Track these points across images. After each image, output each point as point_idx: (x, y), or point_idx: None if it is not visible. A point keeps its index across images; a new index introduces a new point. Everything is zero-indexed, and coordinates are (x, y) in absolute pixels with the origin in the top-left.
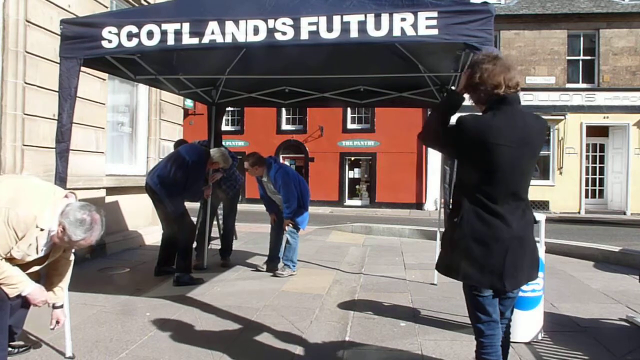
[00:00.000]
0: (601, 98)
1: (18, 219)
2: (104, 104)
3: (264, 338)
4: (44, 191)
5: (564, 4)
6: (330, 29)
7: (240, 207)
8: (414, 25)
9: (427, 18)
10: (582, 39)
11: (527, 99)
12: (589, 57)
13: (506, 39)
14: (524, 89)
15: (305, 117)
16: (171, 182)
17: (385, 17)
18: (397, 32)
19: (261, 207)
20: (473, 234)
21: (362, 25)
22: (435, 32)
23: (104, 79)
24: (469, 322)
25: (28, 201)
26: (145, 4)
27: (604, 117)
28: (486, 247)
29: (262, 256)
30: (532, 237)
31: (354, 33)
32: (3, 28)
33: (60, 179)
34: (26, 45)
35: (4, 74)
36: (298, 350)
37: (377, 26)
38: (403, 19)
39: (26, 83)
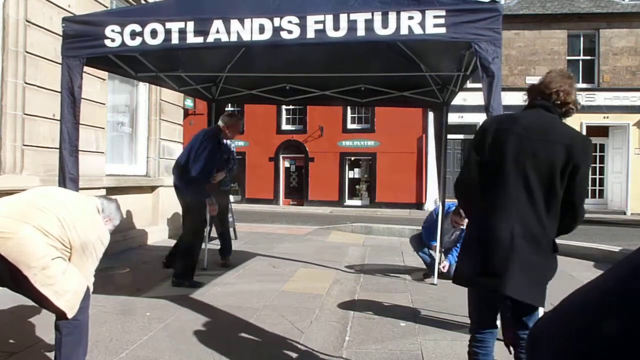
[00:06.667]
0: (601, 98)
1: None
2: (104, 104)
3: (264, 338)
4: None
5: (564, 4)
6: (337, 27)
7: (241, 207)
8: (422, 24)
9: (435, 16)
10: (582, 39)
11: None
12: (589, 57)
13: (506, 39)
14: (524, 89)
15: (305, 117)
16: (186, 168)
17: (392, 16)
18: (404, 31)
19: (261, 207)
20: (473, 236)
21: (369, 23)
22: (443, 30)
23: (104, 79)
24: (469, 322)
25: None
26: (145, 2)
27: (604, 117)
28: (486, 249)
29: (263, 256)
30: (540, 260)
31: (360, 31)
32: (3, 28)
33: (72, 179)
34: (26, 45)
35: (4, 74)
36: (298, 350)
37: (385, 24)
38: (411, 17)
39: (26, 83)
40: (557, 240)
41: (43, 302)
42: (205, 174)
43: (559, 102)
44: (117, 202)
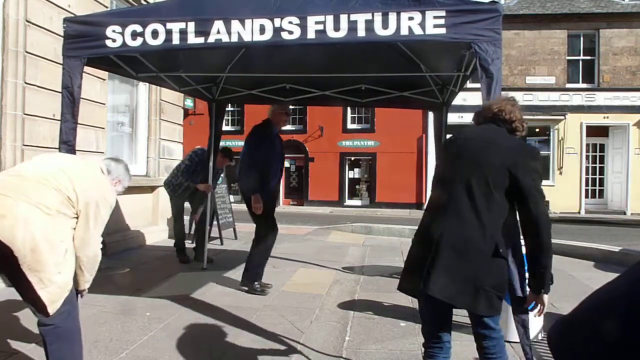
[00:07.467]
0: (601, 98)
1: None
2: (104, 104)
3: (264, 338)
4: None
5: (564, 4)
6: (337, 28)
7: (241, 207)
8: (422, 25)
9: (435, 17)
10: (582, 39)
11: (527, 99)
12: (589, 57)
13: (506, 39)
14: (524, 89)
15: (305, 117)
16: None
17: (392, 16)
18: (404, 31)
19: None
20: (414, 239)
21: (369, 24)
22: (443, 31)
23: (104, 79)
24: (469, 322)
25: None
26: (145, 3)
27: (604, 117)
28: (416, 249)
29: None
30: (474, 263)
31: (361, 32)
32: (3, 28)
33: None
34: (26, 45)
35: (4, 74)
36: (298, 350)
37: (385, 25)
38: (411, 18)
39: (26, 83)
40: (556, 241)
41: (28, 291)
42: (254, 167)
43: (503, 119)
44: (125, 163)
